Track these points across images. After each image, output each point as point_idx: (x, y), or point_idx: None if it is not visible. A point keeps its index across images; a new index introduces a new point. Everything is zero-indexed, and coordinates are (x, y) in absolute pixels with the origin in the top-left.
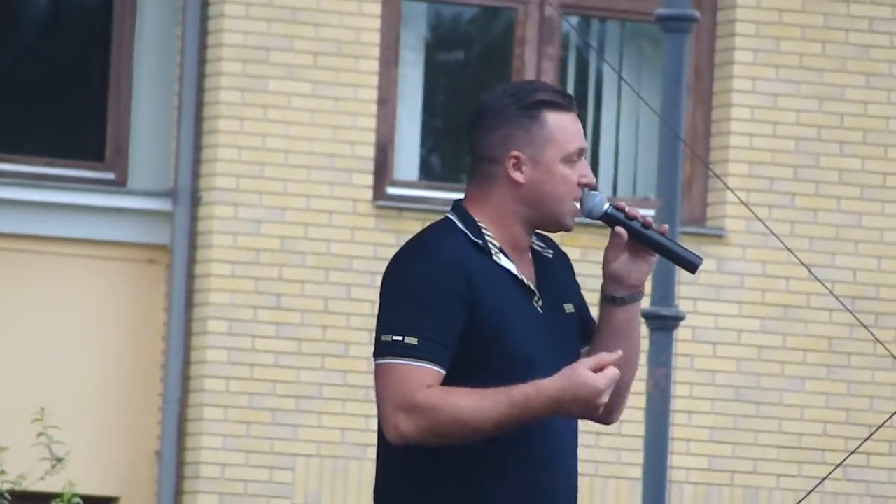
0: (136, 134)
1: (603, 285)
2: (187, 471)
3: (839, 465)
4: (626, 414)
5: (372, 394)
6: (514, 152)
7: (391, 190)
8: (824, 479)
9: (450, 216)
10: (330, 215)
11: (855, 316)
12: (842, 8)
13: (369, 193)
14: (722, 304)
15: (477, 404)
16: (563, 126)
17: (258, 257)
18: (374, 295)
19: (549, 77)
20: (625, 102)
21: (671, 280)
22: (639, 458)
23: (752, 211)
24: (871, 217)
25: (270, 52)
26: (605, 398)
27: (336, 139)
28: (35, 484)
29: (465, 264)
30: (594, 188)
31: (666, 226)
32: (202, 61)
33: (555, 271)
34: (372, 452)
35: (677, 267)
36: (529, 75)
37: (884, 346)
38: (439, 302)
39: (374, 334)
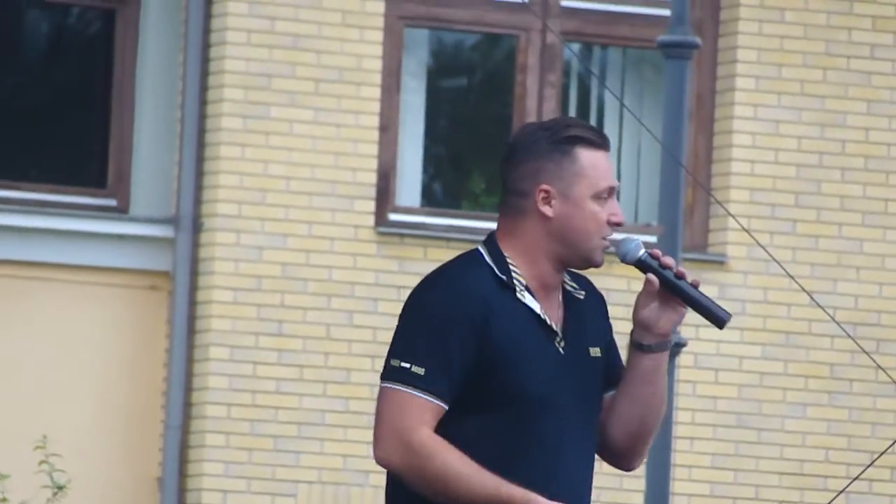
0: (138, 161)
1: (632, 331)
2: (189, 497)
3: (841, 491)
4: None
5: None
6: (544, 186)
7: (393, 216)
8: None
9: (479, 248)
10: (332, 242)
11: (856, 342)
12: (843, 35)
13: (371, 220)
14: (724, 330)
15: (467, 474)
16: (594, 163)
17: (260, 284)
18: (376, 321)
19: (550, 104)
20: (626, 129)
21: None
22: (641, 484)
23: (753, 237)
24: (873, 243)
25: (272, 79)
26: None
27: (338, 166)
28: None
29: (486, 298)
30: (622, 226)
31: (698, 280)
32: (204, 88)
33: (585, 313)
34: (374, 479)
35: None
36: (531, 102)
37: (886, 372)
38: (452, 334)
39: (375, 360)
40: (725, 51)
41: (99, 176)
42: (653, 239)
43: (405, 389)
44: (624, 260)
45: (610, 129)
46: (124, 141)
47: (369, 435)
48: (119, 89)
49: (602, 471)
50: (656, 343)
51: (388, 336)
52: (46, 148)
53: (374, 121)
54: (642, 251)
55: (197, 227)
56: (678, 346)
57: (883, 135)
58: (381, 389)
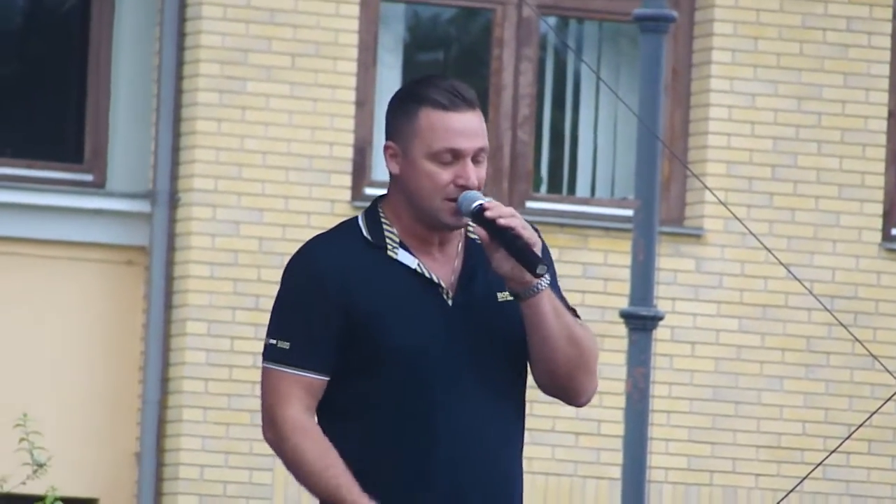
0: (115, 135)
1: None
2: (166, 472)
3: (818, 464)
4: (605, 414)
5: None
6: (388, 142)
7: (369, 191)
8: (804, 479)
9: (360, 214)
10: (308, 216)
11: (833, 315)
12: (819, 7)
13: (347, 194)
14: (700, 303)
15: (317, 466)
16: (433, 124)
17: (236, 258)
18: None
19: (526, 78)
20: (603, 103)
21: (650, 280)
22: (618, 457)
23: (730, 211)
24: (850, 216)
25: (248, 54)
26: None
27: (314, 140)
28: (17, 487)
29: (343, 266)
30: (471, 189)
31: (516, 228)
32: (180, 62)
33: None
34: None
35: (656, 268)
36: (507, 76)
37: (862, 345)
38: (311, 305)
39: None
40: (701, 24)
41: (75, 151)
42: (629, 213)
43: (273, 366)
44: (465, 216)
45: (586, 103)
46: (100, 116)
47: None
48: (95, 64)
49: (580, 445)
50: (522, 290)
51: None
52: (23, 123)
53: (351, 95)
54: (474, 205)
55: (173, 202)
56: (655, 319)
57: (859, 107)
58: (262, 369)
